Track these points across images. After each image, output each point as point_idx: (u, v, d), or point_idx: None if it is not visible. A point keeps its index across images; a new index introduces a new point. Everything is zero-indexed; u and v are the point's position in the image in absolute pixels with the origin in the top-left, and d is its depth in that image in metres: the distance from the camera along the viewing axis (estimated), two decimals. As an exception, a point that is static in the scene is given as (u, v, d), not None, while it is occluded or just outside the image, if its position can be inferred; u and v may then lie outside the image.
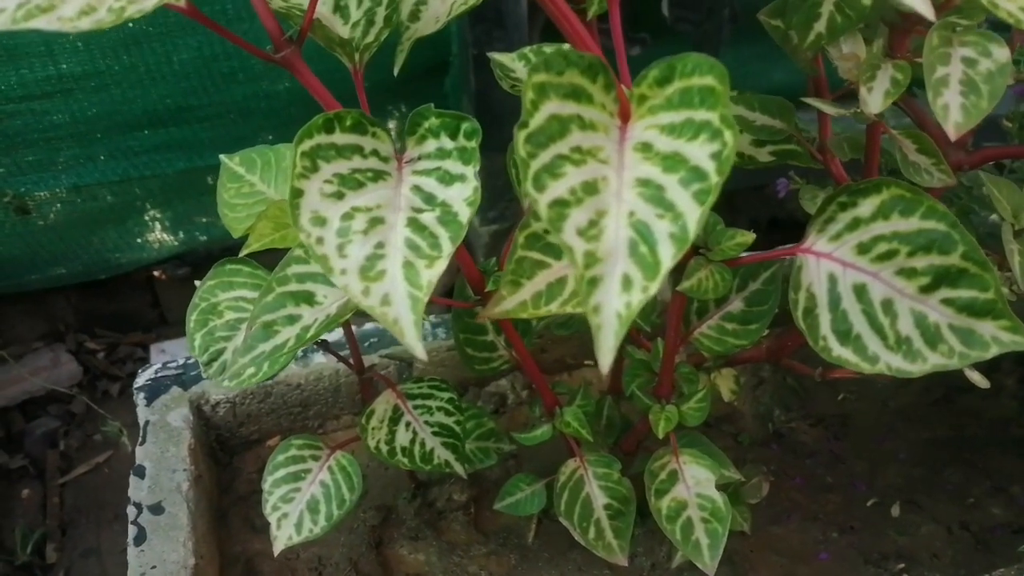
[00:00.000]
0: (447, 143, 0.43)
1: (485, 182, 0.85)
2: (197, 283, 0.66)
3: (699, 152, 0.34)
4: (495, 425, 0.75)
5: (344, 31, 0.53)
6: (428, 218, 0.41)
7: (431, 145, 0.44)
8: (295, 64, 0.48)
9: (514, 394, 0.93)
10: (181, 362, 0.88)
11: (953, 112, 0.41)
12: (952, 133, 0.40)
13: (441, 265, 0.39)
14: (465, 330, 0.68)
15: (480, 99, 1.29)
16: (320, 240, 0.40)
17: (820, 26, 0.48)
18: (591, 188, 0.34)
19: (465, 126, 0.42)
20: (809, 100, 0.50)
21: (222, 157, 0.67)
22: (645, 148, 0.35)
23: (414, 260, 0.39)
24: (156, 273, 1.54)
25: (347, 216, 0.40)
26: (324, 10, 0.54)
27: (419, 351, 0.38)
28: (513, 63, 0.68)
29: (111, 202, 1.32)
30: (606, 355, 0.32)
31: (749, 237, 0.51)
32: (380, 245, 0.40)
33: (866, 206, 0.44)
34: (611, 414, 0.73)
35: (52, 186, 1.26)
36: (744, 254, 0.53)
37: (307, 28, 0.48)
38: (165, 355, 1.49)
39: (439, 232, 0.40)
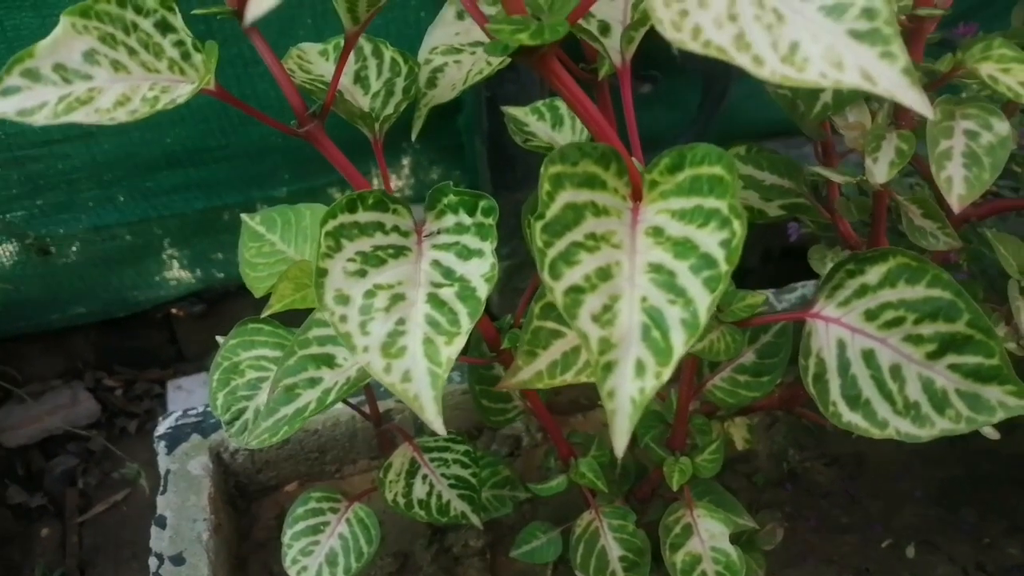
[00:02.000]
0: (465, 219, 0.44)
1: (499, 222, 0.87)
2: (219, 339, 0.67)
3: (709, 240, 0.35)
4: (510, 472, 0.76)
5: (364, 102, 0.55)
6: (447, 294, 0.42)
7: (450, 220, 0.45)
8: (319, 138, 0.50)
9: (529, 436, 0.94)
10: (200, 409, 0.89)
11: (956, 185, 0.42)
12: (956, 206, 0.41)
13: (460, 342, 0.40)
14: (481, 382, 0.70)
15: (493, 138, 1.31)
16: (344, 318, 0.41)
17: (826, 97, 0.49)
18: (605, 274, 0.36)
19: (483, 204, 0.44)
20: (817, 169, 0.51)
21: (243, 217, 0.68)
22: (657, 232, 0.37)
23: (434, 337, 0.41)
24: (173, 310, 1.56)
25: (369, 294, 0.42)
26: (345, 81, 0.56)
27: (438, 426, 0.39)
28: (526, 117, 0.70)
29: (130, 242, 1.34)
30: (621, 439, 0.33)
31: (759, 299, 0.52)
32: (401, 322, 0.41)
33: (873, 274, 0.45)
34: (626, 462, 0.74)
35: (72, 227, 1.28)
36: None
37: (330, 103, 0.50)
38: (182, 391, 1.51)
39: (458, 308, 0.42)
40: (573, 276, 0.35)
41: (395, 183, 1.33)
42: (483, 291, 0.42)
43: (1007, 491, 0.93)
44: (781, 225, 1.06)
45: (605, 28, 0.48)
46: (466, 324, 0.41)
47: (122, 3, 0.43)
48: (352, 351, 0.41)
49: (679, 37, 0.29)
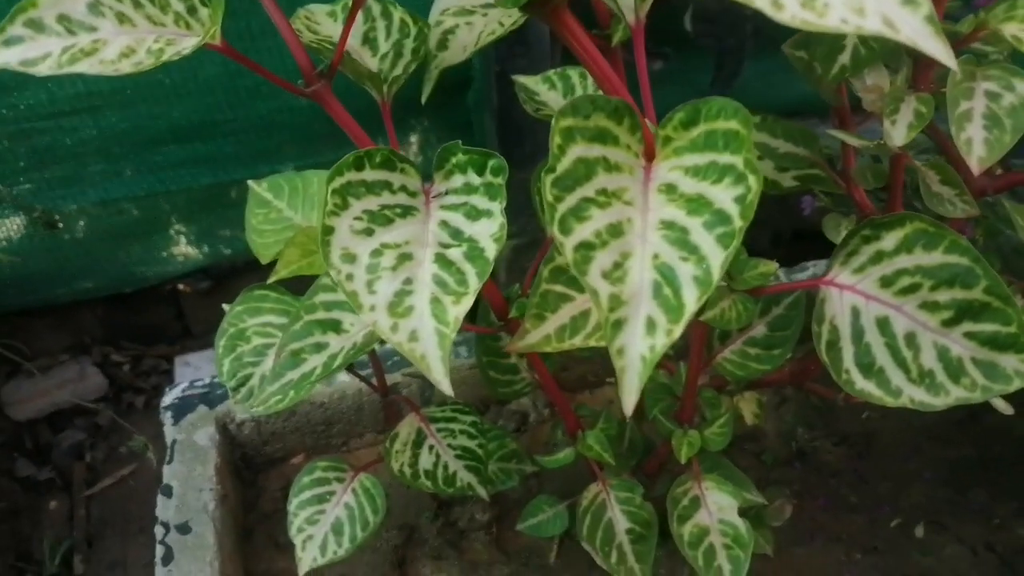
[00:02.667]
0: (474, 179, 0.44)
1: (507, 198, 0.87)
2: (225, 307, 0.67)
3: (723, 195, 0.34)
4: (517, 446, 0.75)
5: (373, 63, 0.54)
6: (455, 254, 0.42)
7: (458, 180, 0.44)
8: (326, 98, 0.49)
9: (536, 412, 0.93)
10: (207, 381, 0.89)
11: (976, 147, 0.41)
12: (976, 168, 0.40)
13: (468, 301, 0.40)
14: (488, 353, 0.69)
15: (502, 114, 1.30)
16: (350, 276, 0.40)
17: (844, 58, 0.48)
18: (616, 230, 0.35)
19: (492, 163, 0.43)
20: (833, 132, 0.50)
21: (250, 183, 0.68)
22: (670, 190, 0.36)
23: (441, 296, 0.40)
24: (180, 286, 1.56)
25: (376, 253, 0.41)
26: (353, 43, 0.55)
27: (446, 386, 0.39)
28: (537, 86, 0.69)
29: (137, 216, 1.34)
30: (630, 397, 0.32)
31: (771, 267, 0.51)
32: (408, 281, 0.41)
33: (889, 240, 0.45)
34: (633, 436, 0.73)
35: (80, 201, 1.28)
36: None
37: (337, 62, 0.49)
38: (189, 367, 1.51)
39: (466, 268, 0.41)
40: (584, 232, 0.34)
41: None
42: (492, 251, 0.41)
43: (1018, 472, 0.92)
44: (792, 205, 1.05)
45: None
46: (474, 284, 0.40)
47: (127, -44, 0.42)
48: (358, 310, 0.40)
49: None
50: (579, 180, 0.35)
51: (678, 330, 0.33)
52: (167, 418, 0.85)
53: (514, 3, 0.36)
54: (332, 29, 0.56)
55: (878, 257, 0.45)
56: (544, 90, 0.68)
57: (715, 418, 0.64)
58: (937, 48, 0.29)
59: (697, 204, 0.35)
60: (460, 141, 0.44)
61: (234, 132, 1.25)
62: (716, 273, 0.33)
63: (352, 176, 0.42)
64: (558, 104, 0.65)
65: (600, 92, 0.35)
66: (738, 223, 0.33)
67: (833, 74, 0.48)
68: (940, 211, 0.48)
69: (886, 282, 0.45)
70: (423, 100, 0.55)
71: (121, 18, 0.42)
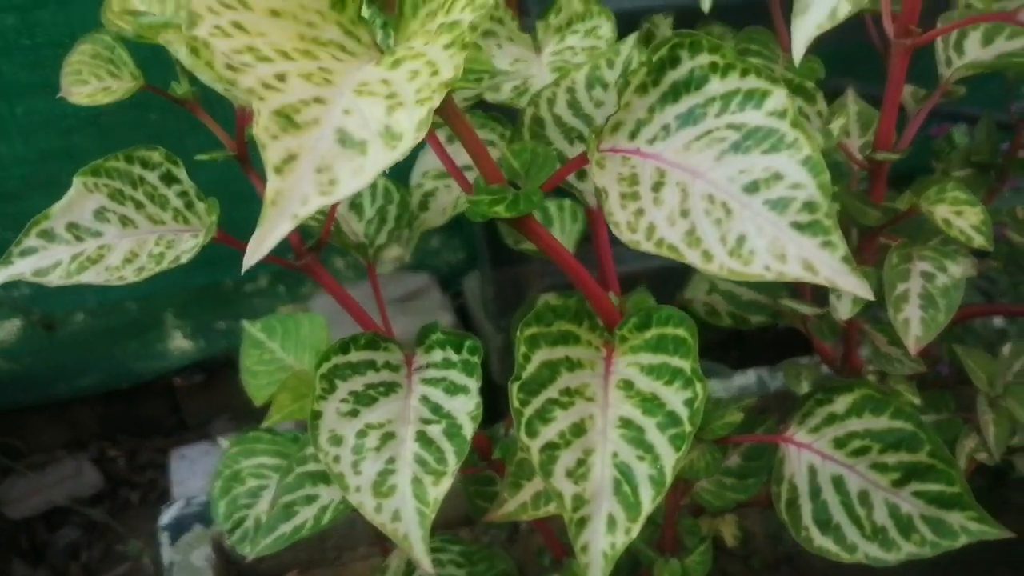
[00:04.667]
0: (452, 356, 0.47)
1: (498, 292, 0.89)
2: (223, 443, 0.70)
3: (674, 398, 0.37)
4: (507, 565, 0.77)
5: (359, 228, 0.58)
6: (435, 431, 0.45)
7: (438, 355, 0.48)
8: (316, 271, 0.52)
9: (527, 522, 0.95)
10: (203, 499, 0.91)
11: (913, 327, 0.45)
12: (913, 347, 0.44)
13: (447, 482, 0.43)
14: (474, 483, 0.72)
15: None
16: (336, 459, 0.44)
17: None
18: (579, 429, 0.38)
19: (468, 343, 0.46)
20: (786, 302, 0.54)
21: (244, 323, 0.71)
22: (627, 386, 0.39)
23: (422, 476, 0.43)
24: (176, 380, 1.58)
25: (361, 433, 0.44)
26: (340, 208, 0.59)
27: (426, 564, 0.42)
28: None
29: (135, 315, 1.37)
30: (595, 591, 0.35)
31: (737, 417, 0.54)
32: (391, 460, 0.44)
33: (840, 403, 0.48)
34: (619, 560, 0.75)
35: (79, 304, 1.31)
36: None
37: (326, 236, 0.53)
38: (185, 460, 1.53)
39: (445, 447, 0.44)
40: (549, 433, 0.38)
41: (395, 249, 1.36)
42: (469, 430, 0.44)
43: (1001, 574, 0.94)
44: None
45: (582, 173, 0.51)
46: (452, 463, 0.43)
47: (130, 159, 0.47)
48: (345, 491, 0.43)
49: (634, 238, 0.32)
50: (543, 384, 0.38)
51: (636, 528, 0.36)
52: (164, 538, 0.87)
53: (481, 217, 0.40)
54: (321, 197, 0.60)
55: (831, 419, 0.48)
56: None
57: (695, 546, 0.66)
58: (855, 285, 0.32)
59: (652, 404, 0.38)
60: (439, 322, 0.48)
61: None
62: (669, 475, 0.36)
63: (339, 359, 0.46)
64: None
65: (560, 301, 0.39)
66: (688, 427, 0.36)
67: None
68: (889, 369, 0.51)
69: (839, 443, 0.48)
70: (406, 259, 0.59)
71: (124, 221, 0.45)
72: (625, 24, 0.57)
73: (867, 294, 0.32)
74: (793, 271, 0.32)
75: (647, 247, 0.32)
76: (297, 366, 0.68)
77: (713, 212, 0.33)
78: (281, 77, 0.28)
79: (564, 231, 0.71)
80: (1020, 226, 0.57)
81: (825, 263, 0.32)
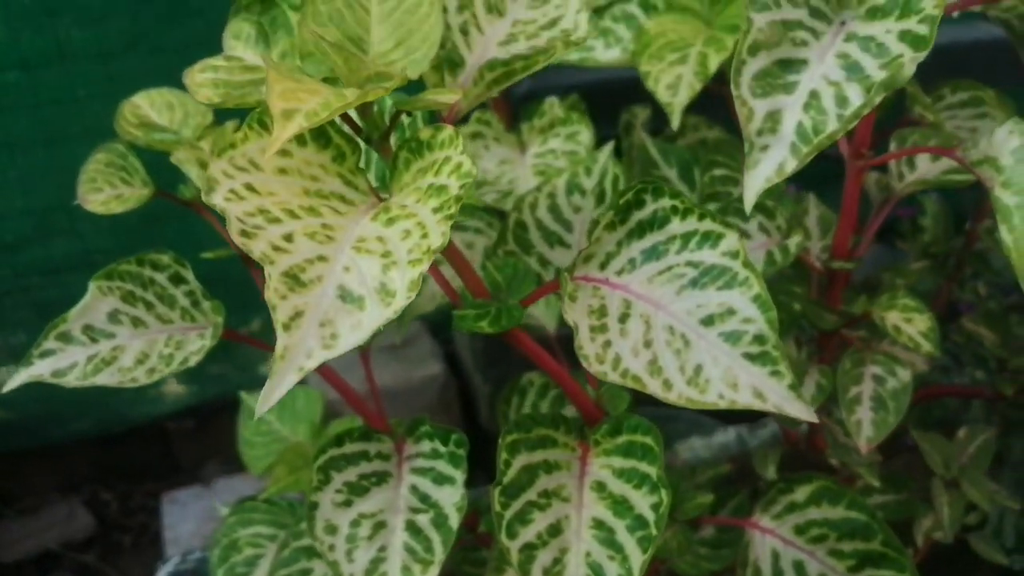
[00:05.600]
0: (440, 447, 0.51)
1: (487, 345, 0.93)
2: (222, 509, 0.73)
3: (642, 502, 0.41)
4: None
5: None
6: (423, 520, 0.48)
7: (426, 446, 0.51)
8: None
9: (511, 576, 0.98)
10: (199, 555, 0.94)
11: (865, 428, 0.49)
12: (864, 448, 0.48)
13: (434, 570, 0.46)
14: (462, 550, 0.75)
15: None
16: (332, 547, 0.47)
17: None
18: (555, 530, 0.42)
19: (454, 437, 0.50)
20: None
21: (243, 394, 0.75)
22: (600, 488, 0.43)
23: (411, 565, 0.46)
24: (169, 424, 1.60)
25: (355, 523, 0.48)
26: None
27: (415, 651, 0.45)
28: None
29: (131, 365, 1.39)
30: None
31: (708, 499, 0.58)
32: (383, 548, 0.47)
33: (800, 493, 0.52)
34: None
35: (76, 351, 1.34)
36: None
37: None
38: (177, 504, 1.55)
39: (433, 536, 0.47)
40: (527, 535, 0.41)
41: (386, 335, 1.40)
42: (455, 520, 0.48)
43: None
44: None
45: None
46: (439, 553, 0.47)
47: (141, 262, 0.50)
48: (338, 579, 0.46)
49: (602, 370, 0.35)
50: (523, 487, 0.42)
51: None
52: (159, 596, 0.89)
53: (467, 331, 0.44)
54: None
55: (792, 507, 0.52)
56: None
57: (671, 613, 0.69)
58: (800, 410, 0.36)
59: (622, 507, 0.41)
60: (428, 415, 0.51)
61: (225, 281, 1.33)
62: (637, 574, 0.40)
63: (334, 452, 0.49)
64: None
65: (538, 411, 0.43)
66: (654, 531, 0.40)
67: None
68: (847, 461, 0.55)
69: (799, 530, 0.52)
70: (397, 342, 0.63)
71: (136, 322, 0.49)
72: (601, 95, 0.62)
73: (811, 418, 0.36)
74: (744, 399, 0.36)
75: (613, 378, 0.36)
76: (293, 438, 0.72)
77: (673, 343, 0.36)
78: (288, 237, 0.31)
79: (548, 307, 0.75)
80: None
81: (773, 391, 0.36)
